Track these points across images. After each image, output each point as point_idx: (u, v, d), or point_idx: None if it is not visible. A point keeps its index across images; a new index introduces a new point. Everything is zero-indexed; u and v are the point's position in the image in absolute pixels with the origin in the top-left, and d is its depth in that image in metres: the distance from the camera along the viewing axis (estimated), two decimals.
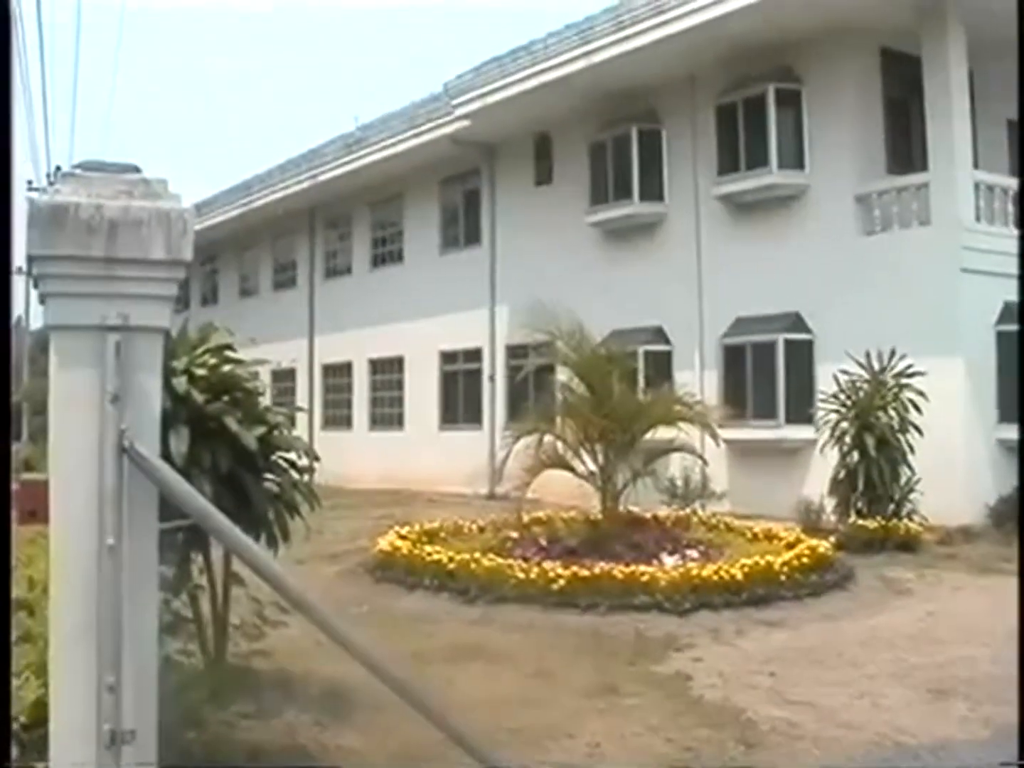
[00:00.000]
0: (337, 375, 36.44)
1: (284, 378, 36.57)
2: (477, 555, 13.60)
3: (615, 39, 23.13)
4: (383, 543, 15.07)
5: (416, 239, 33.20)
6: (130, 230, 4.07)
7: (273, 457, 7.54)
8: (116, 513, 3.95)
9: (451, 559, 13.56)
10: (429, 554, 14.01)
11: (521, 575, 12.76)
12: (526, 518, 16.10)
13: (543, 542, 14.87)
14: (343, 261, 36.95)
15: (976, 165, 20.74)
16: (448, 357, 31.59)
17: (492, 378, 29.71)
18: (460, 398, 31.02)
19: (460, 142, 29.37)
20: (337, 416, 35.88)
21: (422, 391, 32.08)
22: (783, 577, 13.03)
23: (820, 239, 21.74)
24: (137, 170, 4.31)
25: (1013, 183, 21.01)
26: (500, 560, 13.41)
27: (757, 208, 22.96)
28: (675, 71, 23.70)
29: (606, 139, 25.70)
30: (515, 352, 27.53)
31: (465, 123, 28.13)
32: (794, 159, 22.27)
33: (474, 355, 30.47)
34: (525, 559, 13.61)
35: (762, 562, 13.15)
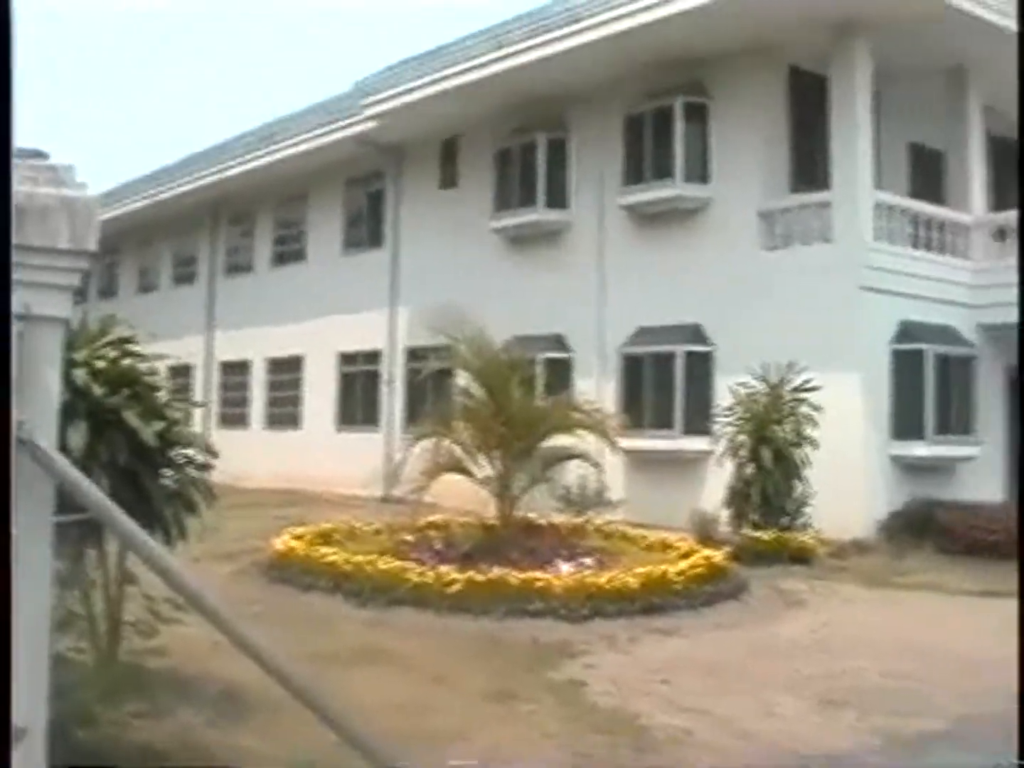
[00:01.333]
0: (235, 373, 36.09)
1: (182, 374, 36.07)
2: (373, 557, 13.53)
3: (528, 46, 23.13)
4: (278, 543, 14.94)
5: (319, 238, 33.00)
6: (35, 217, 3.98)
7: (172, 453, 7.44)
8: (12, 506, 3.86)
9: (346, 561, 13.48)
10: (324, 555, 13.92)
11: (417, 578, 12.71)
12: (423, 522, 16.08)
13: (439, 546, 14.86)
14: (245, 258, 36.62)
15: (878, 186, 20.99)
16: (347, 358, 31.40)
17: (391, 380, 29.59)
18: (358, 400, 30.85)
19: (367, 143, 29.23)
20: (234, 414, 35.51)
21: (320, 391, 31.87)
22: (678, 586, 13.12)
23: (723, 253, 21.88)
24: (43, 156, 4.22)
25: (913, 204, 21.39)
26: (396, 563, 13.34)
27: (661, 220, 23.06)
28: (586, 80, 23.71)
29: (513, 145, 25.68)
30: (415, 355, 27.44)
31: (373, 124, 27.98)
32: (699, 172, 22.40)
33: (374, 357, 30.32)
34: (421, 562, 13.56)
35: (657, 571, 13.23)
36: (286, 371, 33.67)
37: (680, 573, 13.38)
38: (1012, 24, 20.71)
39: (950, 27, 20.59)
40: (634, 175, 23.25)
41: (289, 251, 34.50)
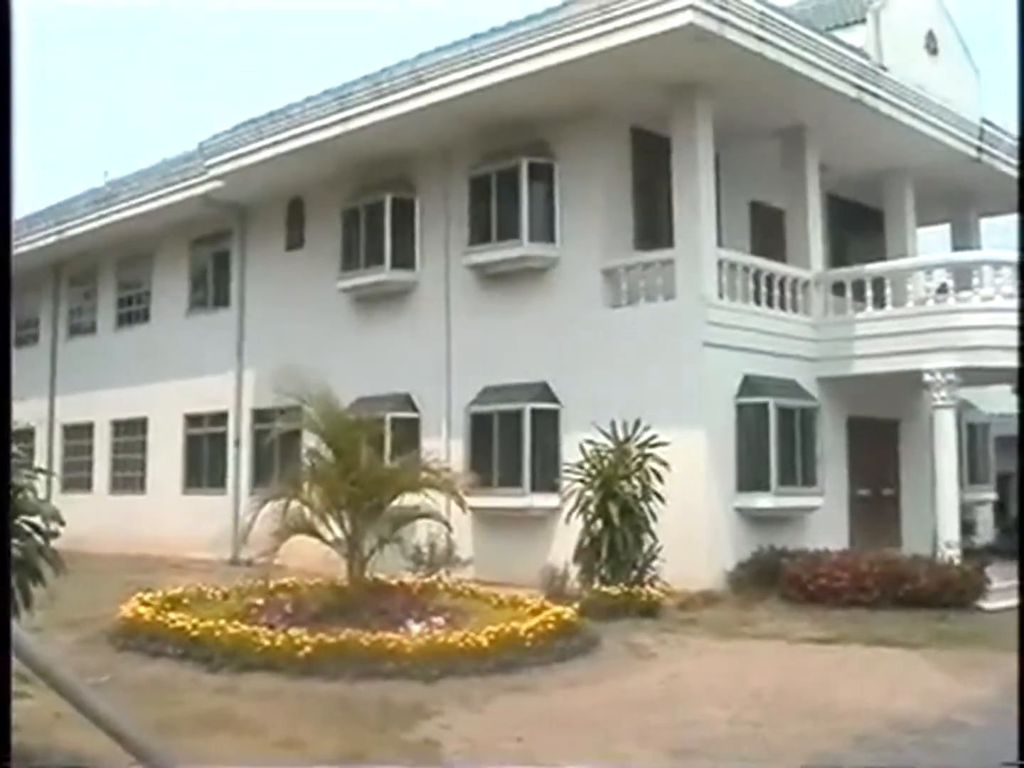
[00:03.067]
0: (78, 436, 35.42)
1: (25, 438, 35.33)
2: (222, 622, 13.35)
3: (373, 107, 23.15)
4: (125, 610, 14.64)
5: (164, 299, 32.64)
6: None
7: (17, 521, 7.31)
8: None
9: (195, 626, 13.27)
10: (173, 621, 13.68)
11: (267, 642, 12.57)
12: (272, 585, 15.89)
13: (289, 609, 14.68)
14: (88, 319, 36.07)
15: (720, 243, 21.38)
16: (193, 420, 31.06)
17: (238, 442, 29.31)
18: (205, 462, 30.50)
19: (213, 203, 29.04)
20: (77, 479, 34.77)
21: (166, 454, 31.43)
22: (529, 643, 13.16)
23: (569, 310, 22.08)
24: None
25: (755, 261, 21.81)
26: (245, 627, 13.18)
27: (508, 279, 23.20)
28: (431, 141, 23.88)
29: (359, 206, 25.64)
30: (262, 416, 27.23)
31: (218, 184, 27.81)
32: (545, 232, 22.56)
33: (220, 419, 30.00)
34: (271, 626, 13.40)
35: (508, 629, 13.26)
36: (131, 434, 33.16)
37: (531, 630, 13.42)
38: (845, 87, 21.46)
39: (787, 89, 21.16)
40: (480, 235, 23.36)
41: (133, 312, 34.06)
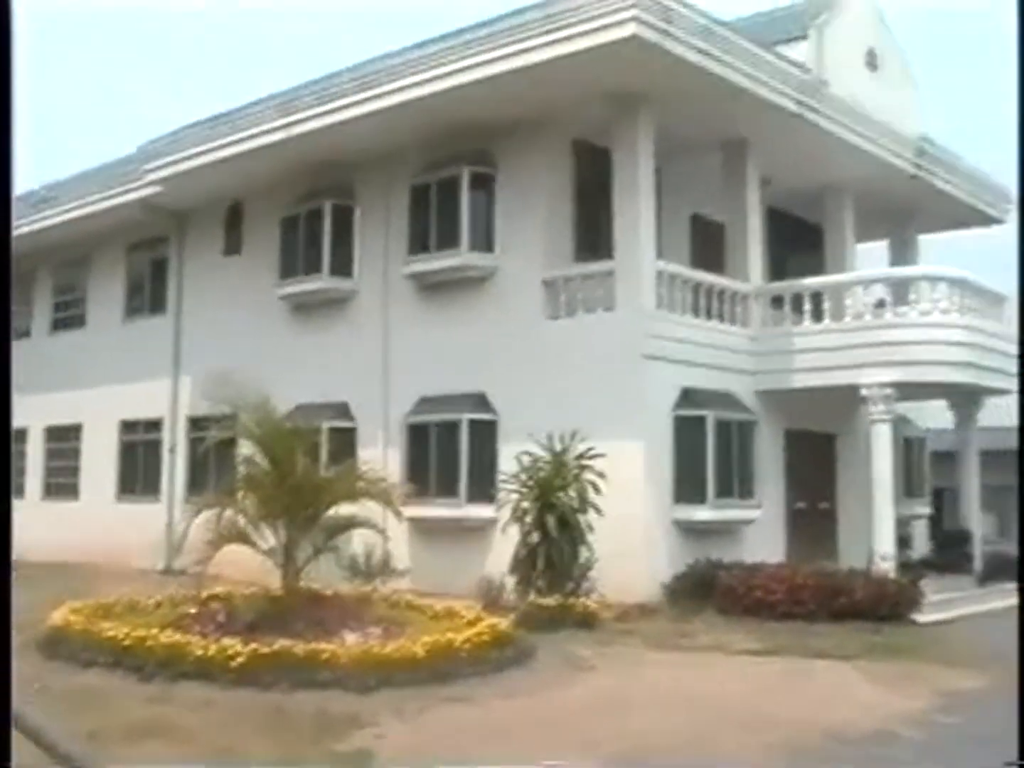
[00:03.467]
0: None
1: None
2: (154, 631, 13.20)
3: (315, 113, 23.02)
4: (55, 619, 14.48)
5: (100, 305, 32.33)
6: None
7: None
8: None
9: (127, 635, 13.11)
10: (104, 630, 13.52)
11: (200, 652, 12.44)
12: (205, 594, 15.73)
13: (223, 618, 14.51)
14: (22, 324, 35.52)
15: (660, 256, 21.38)
16: (128, 427, 30.76)
17: (173, 450, 29.05)
18: (140, 469, 30.19)
19: (151, 208, 28.81)
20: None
21: (100, 461, 31.11)
22: (464, 654, 13.11)
23: (508, 321, 22.05)
24: None
25: (694, 274, 21.85)
26: (178, 636, 13.05)
27: (447, 288, 23.12)
28: (373, 148, 23.76)
29: (300, 212, 25.48)
30: (198, 424, 27.03)
31: (157, 188, 27.57)
32: (485, 241, 22.52)
33: (155, 426, 29.74)
34: (204, 635, 13.27)
35: (443, 639, 13.21)
36: (65, 440, 32.81)
37: (467, 641, 13.36)
38: (787, 101, 21.56)
39: (729, 103, 21.24)
40: (420, 244, 23.28)
41: (69, 317, 33.75)
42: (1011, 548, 27.20)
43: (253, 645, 12.43)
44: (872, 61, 25.71)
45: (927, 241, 30.69)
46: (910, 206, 28.55)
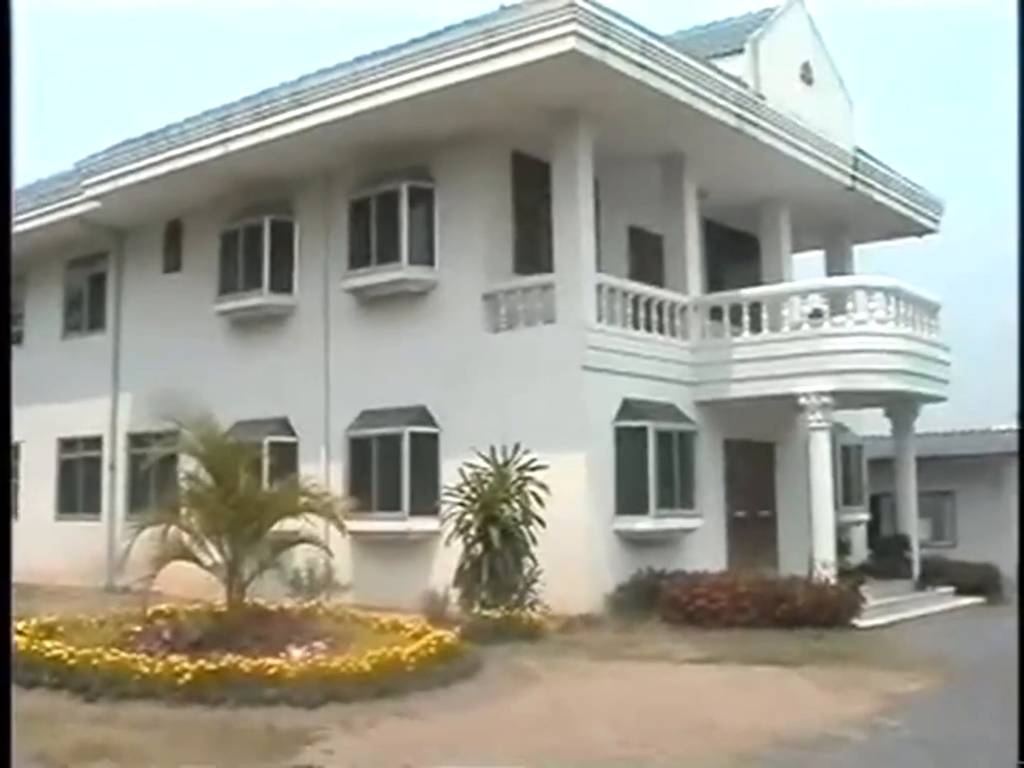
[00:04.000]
0: None
1: None
2: (99, 650, 13.11)
3: (253, 128, 22.96)
4: None
5: (38, 322, 32.00)
6: None
7: None
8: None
9: (71, 655, 13.00)
10: (48, 650, 13.39)
11: (146, 670, 12.37)
12: (150, 611, 15.63)
13: (168, 636, 14.40)
14: None
15: (600, 268, 21.49)
16: (67, 445, 30.54)
17: (113, 467, 28.86)
18: (80, 487, 29.95)
19: (89, 224, 28.60)
20: None
21: (39, 479, 30.78)
22: (411, 668, 13.16)
23: (449, 335, 22.07)
24: None
25: (633, 286, 21.97)
26: (123, 655, 12.97)
27: (387, 303, 23.11)
28: (312, 164, 23.74)
29: (239, 228, 25.41)
30: (138, 441, 26.82)
31: (95, 205, 27.38)
32: (425, 255, 22.52)
33: (95, 443, 29.52)
34: (149, 653, 13.17)
35: (390, 653, 13.24)
36: None
37: (413, 654, 13.41)
38: (724, 115, 21.75)
39: (667, 116, 21.38)
40: (360, 258, 23.26)
41: None
42: (947, 552, 27.69)
43: (200, 662, 12.38)
44: (807, 75, 25.94)
45: (862, 252, 31.01)
46: (845, 217, 28.84)
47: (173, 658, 12.66)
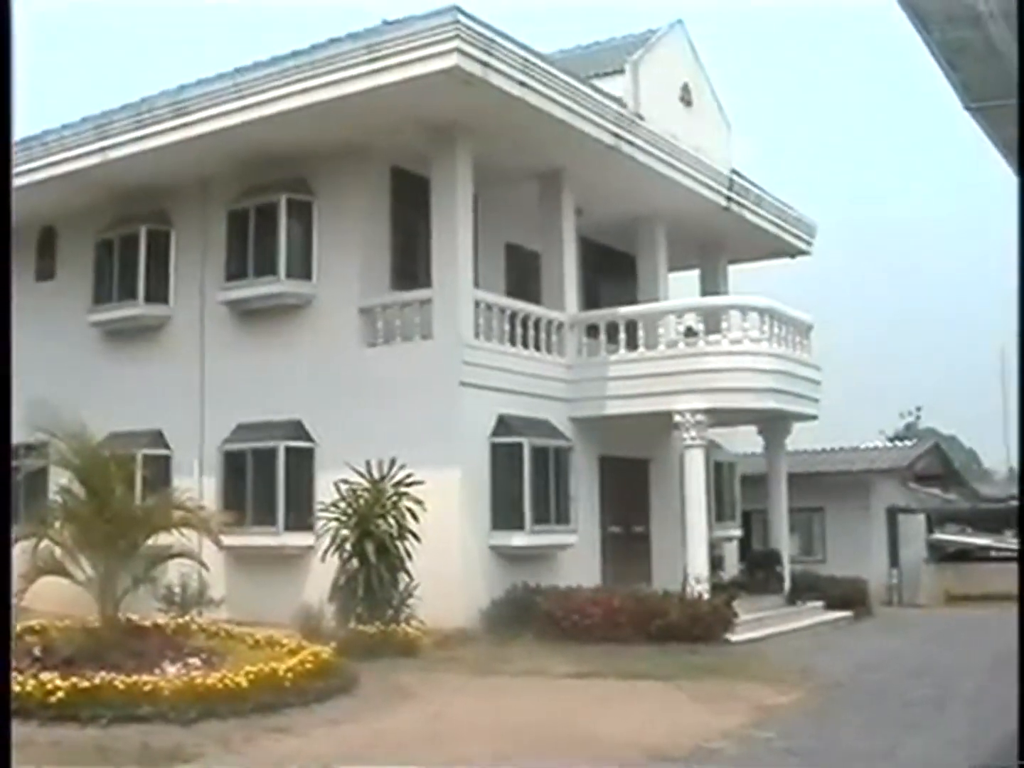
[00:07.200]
0: None
1: None
2: None
3: (131, 137, 22.61)
4: None
5: None
6: None
7: None
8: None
9: None
10: None
11: (16, 688, 12.13)
12: (19, 627, 15.34)
13: (38, 652, 14.16)
14: None
15: (477, 284, 21.60)
16: None
17: None
18: None
19: None
20: None
21: None
22: (288, 684, 13.11)
23: (325, 348, 22.02)
24: None
25: (510, 303, 22.09)
26: None
27: (264, 316, 22.98)
28: (191, 174, 23.56)
29: (114, 237, 25.06)
30: None
31: None
32: (302, 269, 22.41)
33: None
34: (20, 671, 12.93)
35: (266, 669, 13.16)
36: None
37: (289, 670, 13.35)
38: (603, 134, 21.95)
39: (547, 134, 21.55)
40: (237, 270, 23.08)
41: None
42: (817, 567, 28.18)
43: (72, 679, 12.16)
44: (686, 96, 26.30)
45: (737, 271, 31.43)
46: (721, 237, 29.24)
47: (44, 676, 12.37)
